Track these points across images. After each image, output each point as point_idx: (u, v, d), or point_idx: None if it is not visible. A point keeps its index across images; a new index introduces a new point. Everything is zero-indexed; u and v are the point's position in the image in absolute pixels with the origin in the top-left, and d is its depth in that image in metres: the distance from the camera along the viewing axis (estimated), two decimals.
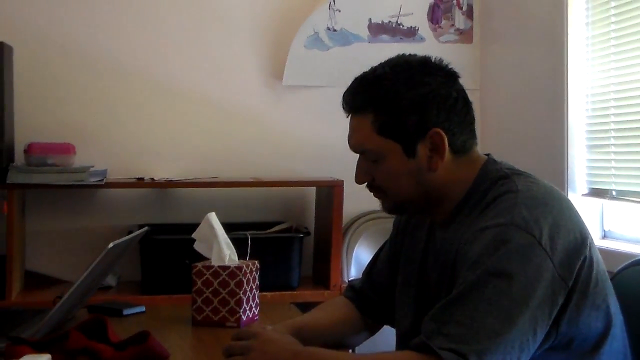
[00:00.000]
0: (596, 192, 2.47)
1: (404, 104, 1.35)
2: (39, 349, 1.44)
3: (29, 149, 2.53)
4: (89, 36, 2.78)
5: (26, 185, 2.46)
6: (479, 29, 3.08)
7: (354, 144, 1.41)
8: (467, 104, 1.41)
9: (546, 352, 1.26)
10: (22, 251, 2.62)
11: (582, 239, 1.28)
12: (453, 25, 3.07)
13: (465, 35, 3.08)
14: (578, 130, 2.52)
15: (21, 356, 1.36)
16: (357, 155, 1.44)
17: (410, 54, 1.43)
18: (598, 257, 1.32)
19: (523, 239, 1.23)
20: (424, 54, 1.42)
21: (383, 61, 1.42)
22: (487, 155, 1.44)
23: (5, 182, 2.41)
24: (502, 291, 1.20)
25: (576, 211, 1.34)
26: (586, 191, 2.51)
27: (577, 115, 2.52)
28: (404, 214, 1.52)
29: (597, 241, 2.38)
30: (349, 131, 1.42)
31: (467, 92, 1.44)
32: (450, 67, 1.41)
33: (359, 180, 1.43)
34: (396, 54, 1.44)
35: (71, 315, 1.79)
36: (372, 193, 1.45)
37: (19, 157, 2.58)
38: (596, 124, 2.48)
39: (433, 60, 1.41)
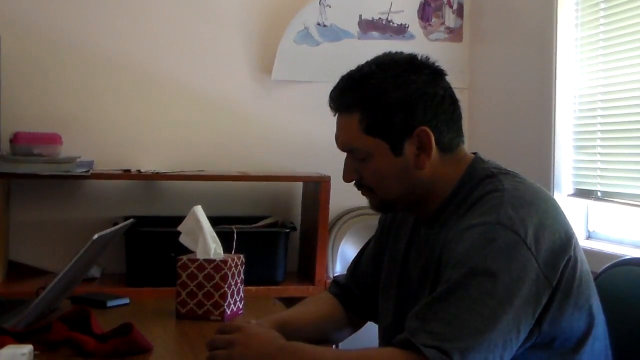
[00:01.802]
0: (582, 193, 2.48)
1: (390, 103, 1.35)
2: (21, 340, 1.43)
3: (15, 139, 2.52)
4: (78, 27, 2.76)
5: (12, 175, 2.45)
6: (469, 28, 3.08)
7: (342, 142, 1.41)
8: (454, 102, 1.41)
9: (528, 350, 1.26)
10: (5, 241, 2.61)
11: (567, 238, 1.29)
12: (443, 23, 3.07)
13: (455, 34, 3.08)
14: (565, 131, 2.53)
15: (3, 346, 1.36)
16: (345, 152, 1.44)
17: (396, 52, 1.43)
18: (582, 257, 1.33)
19: (508, 238, 1.23)
20: (414, 52, 1.42)
21: (370, 59, 1.42)
22: (474, 154, 1.44)
23: None
24: (486, 290, 1.20)
25: (562, 211, 1.35)
26: (572, 191, 2.52)
27: (564, 115, 2.53)
28: (391, 211, 1.53)
29: (582, 241, 2.40)
30: (337, 130, 1.42)
31: (456, 90, 1.44)
32: (436, 65, 1.41)
33: (346, 179, 1.43)
34: (387, 51, 1.44)
35: (55, 306, 1.78)
36: (359, 191, 1.45)
37: (5, 147, 2.56)
38: (583, 125, 2.49)
39: (419, 58, 1.41)
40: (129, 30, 2.81)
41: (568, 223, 1.33)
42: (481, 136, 2.88)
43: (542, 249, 1.25)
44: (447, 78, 1.42)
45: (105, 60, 2.78)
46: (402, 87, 1.35)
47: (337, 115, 1.42)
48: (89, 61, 2.77)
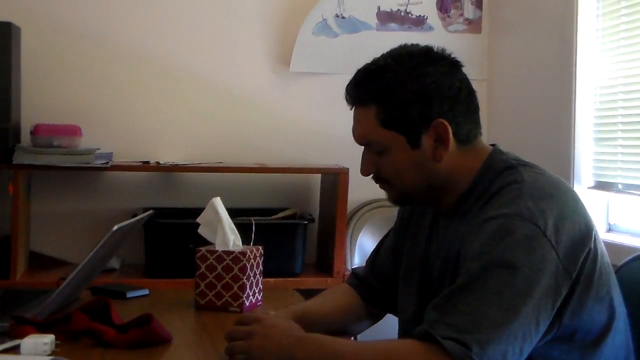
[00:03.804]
0: (602, 185, 2.46)
1: (406, 95, 1.34)
2: (42, 330, 1.45)
3: (35, 130, 2.53)
4: (97, 18, 2.78)
5: (32, 166, 2.47)
6: (488, 19, 3.06)
7: (359, 136, 1.41)
8: (470, 93, 1.40)
9: (548, 343, 1.26)
10: (27, 232, 2.63)
11: (587, 230, 1.28)
12: (462, 14, 3.05)
13: (474, 25, 3.06)
14: (585, 123, 2.51)
15: (25, 336, 1.37)
16: None
17: (412, 44, 1.42)
18: (603, 249, 1.32)
19: (528, 229, 1.23)
20: (432, 44, 1.42)
21: (385, 52, 1.41)
22: (493, 145, 1.44)
23: (11, 162, 2.42)
24: (506, 282, 1.20)
25: (582, 203, 1.34)
26: (592, 184, 2.50)
27: (585, 107, 2.51)
28: (410, 204, 1.52)
29: (602, 234, 2.38)
30: (353, 123, 1.42)
31: (475, 82, 1.43)
32: (453, 56, 1.41)
33: (364, 172, 1.43)
34: (403, 43, 1.43)
35: (75, 296, 1.80)
36: (377, 184, 1.45)
37: (25, 138, 2.58)
38: (604, 116, 2.47)
39: (435, 50, 1.40)
40: (148, 22, 2.82)
41: (588, 215, 1.32)
42: (500, 128, 2.86)
43: (562, 241, 1.24)
44: (465, 70, 1.41)
45: (124, 53, 2.79)
46: (418, 79, 1.35)
47: (353, 108, 1.42)
48: (108, 53, 2.79)
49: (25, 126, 2.59)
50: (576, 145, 2.51)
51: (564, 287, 1.24)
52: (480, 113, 1.42)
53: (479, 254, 1.24)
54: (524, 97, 2.84)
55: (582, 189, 2.48)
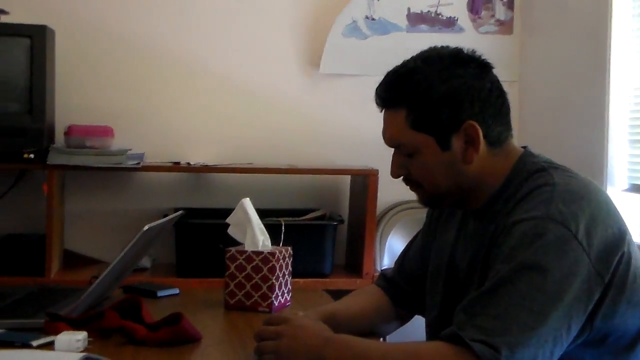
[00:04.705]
0: (636, 188, 2.43)
1: (436, 98, 1.34)
2: (75, 327, 1.47)
3: (68, 131, 2.57)
4: (129, 21, 2.81)
5: (66, 167, 2.51)
6: (519, 20, 3.04)
7: (389, 138, 1.41)
8: (501, 94, 1.39)
9: (580, 347, 1.24)
10: (61, 231, 2.67)
11: (620, 234, 1.27)
12: (493, 15, 3.03)
13: (505, 26, 3.04)
14: (619, 124, 2.48)
15: (59, 332, 1.40)
16: None
17: (442, 46, 1.42)
18: (637, 253, 1.30)
19: (559, 232, 1.21)
20: (463, 45, 1.41)
21: (415, 54, 1.41)
22: (524, 147, 1.43)
23: (46, 163, 2.46)
24: (536, 285, 1.19)
25: (614, 206, 1.32)
26: (626, 186, 2.47)
27: (619, 109, 2.48)
28: (440, 206, 1.51)
29: (636, 238, 2.34)
30: (383, 126, 1.42)
31: (506, 84, 1.42)
32: (483, 58, 1.40)
33: (394, 175, 1.43)
34: (434, 45, 1.43)
35: (107, 294, 1.82)
36: (408, 186, 1.44)
37: (59, 139, 2.62)
38: (639, 118, 2.44)
39: (465, 51, 1.39)
40: (180, 25, 2.85)
41: (621, 218, 1.31)
42: (531, 130, 2.84)
43: (594, 245, 1.23)
44: (496, 71, 1.40)
45: (156, 55, 2.82)
46: (448, 81, 1.34)
47: (383, 111, 1.42)
48: (140, 56, 2.82)
49: (59, 127, 2.63)
50: (609, 147, 2.48)
51: (596, 291, 1.22)
52: (511, 115, 1.42)
53: (509, 256, 1.23)
54: (555, 98, 2.82)
55: (616, 191, 2.45)
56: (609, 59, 2.48)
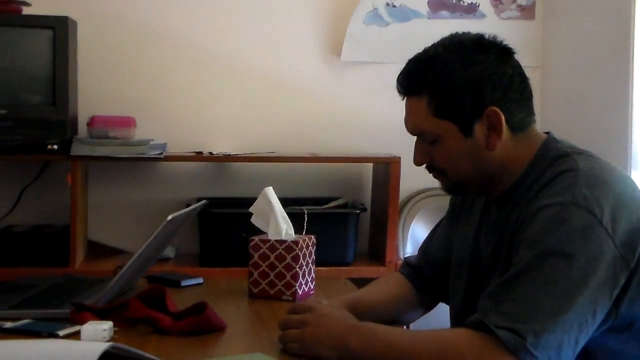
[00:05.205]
0: None
1: (458, 84, 1.33)
2: (101, 316, 1.49)
3: (91, 122, 2.59)
4: (151, 12, 2.81)
5: (89, 157, 2.52)
6: (541, 5, 3.00)
7: (411, 126, 1.41)
8: (523, 80, 1.38)
9: (605, 333, 1.24)
10: (85, 221, 2.69)
11: None
12: (515, 1, 3.00)
13: (527, 12, 3.01)
14: None
15: (85, 322, 1.41)
16: None
17: (463, 33, 1.41)
18: None
19: (583, 218, 1.21)
20: (485, 31, 1.40)
21: (436, 41, 1.40)
22: (547, 133, 1.42)
23: (69, 153, 2.48)
24: (561, 271, 1.18)
25: (639, 191, 1.31)
26: None
27: None
28: (463, 194, 1.51)
29: None
30: (405, 113, 1.41)
31: (528, 69, 1.41)
32: (504, 43, 1.39)
33: (417, 162, 1.43)
34: (455, 31, 1.42)
35: (131, 284, 1.83)
36: (431, 174, 1.44)
37: (82, 130, 2.64)
38: None
39: (486, 37, 1.39)
40: (201, 15, 2.84)
41: None
42: (554, 115, 2.81)
43: (619, 230, 1.22)
44: (518, 57, 1.39)
45: (177, 45, 2.83)
46: (470, 67, 1.34)
47: (405, 99, 1.41)
48: (161, 46, 2.82)
49: (82, 118, 2.65)
50: (633, 131, 2.45)
51: (621, 276, 1.21)
52: (534, 100, 1.41)
53: (533, 242, 1.23)
54: (579, 83, 2.79)
55: None
56: (633, 42, 2.44)
